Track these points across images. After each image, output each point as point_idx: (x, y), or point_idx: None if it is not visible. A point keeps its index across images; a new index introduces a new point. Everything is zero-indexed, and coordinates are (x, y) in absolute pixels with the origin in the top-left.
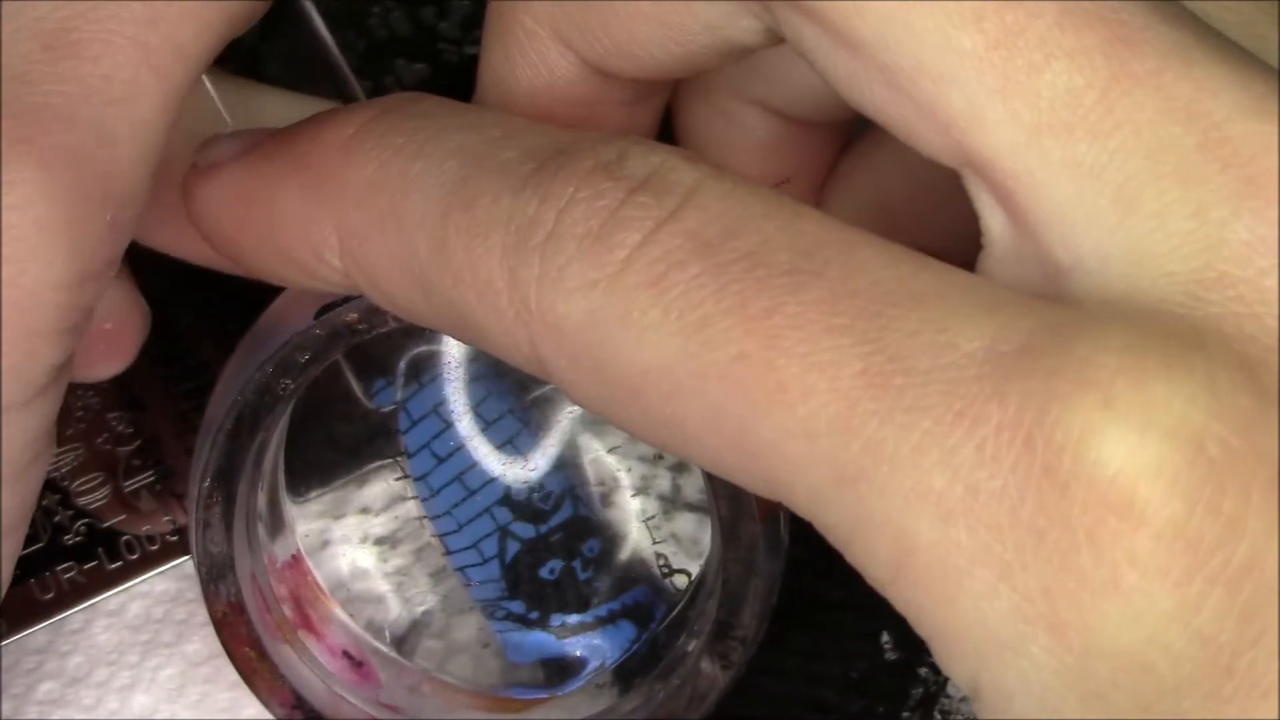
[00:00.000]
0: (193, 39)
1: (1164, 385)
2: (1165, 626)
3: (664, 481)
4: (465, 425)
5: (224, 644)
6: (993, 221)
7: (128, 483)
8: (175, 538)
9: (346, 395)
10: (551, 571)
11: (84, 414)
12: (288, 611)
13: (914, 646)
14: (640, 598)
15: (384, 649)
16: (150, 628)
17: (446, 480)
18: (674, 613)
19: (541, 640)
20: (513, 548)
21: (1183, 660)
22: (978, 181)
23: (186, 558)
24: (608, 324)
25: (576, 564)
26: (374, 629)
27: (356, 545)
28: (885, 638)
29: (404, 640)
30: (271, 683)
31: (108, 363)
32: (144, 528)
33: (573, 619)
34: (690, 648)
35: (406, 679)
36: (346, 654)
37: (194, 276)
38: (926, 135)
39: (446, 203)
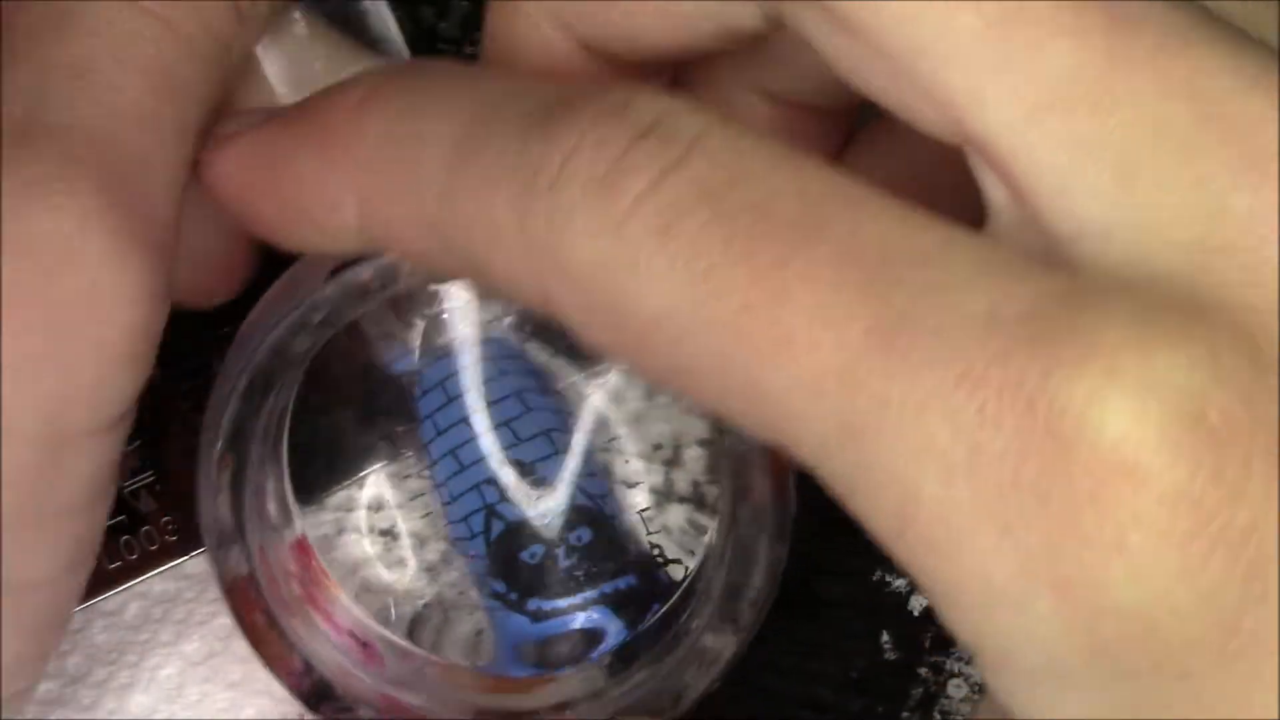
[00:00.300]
0: (196, 78)
1: (1167, 354)
2: (1171, 585)
3: (658, 476)
4: (469, 400)
5: (234, 610)
6: (995, 195)
7: (127, 483)
8: (174, 538)
9: (366, 361)
10: (532, 555)
11: None
12: (295, 588)
13: (914, 646)
14: (627, 587)
15: (388, 634)
16: (149, 627)
17: (444, 452)
18: (670, 603)
19: (519, 622)
20: (498, 527)
21: (1189, 618)
22: (976, 159)
23: (186, 558)
24: (616, 270)
25: (560, 551)
26: (379, 613)
27: (364, 531)
28: (885, 637)
29: (408, 624)
30: (281, 650)
31: (218, 287)
32: (143, 528)
33: (547, 605)
34: (690, 628)
35: (411, 662)
36: (352, 634)
37: None
38: (927, 115)
39: (456, 154)
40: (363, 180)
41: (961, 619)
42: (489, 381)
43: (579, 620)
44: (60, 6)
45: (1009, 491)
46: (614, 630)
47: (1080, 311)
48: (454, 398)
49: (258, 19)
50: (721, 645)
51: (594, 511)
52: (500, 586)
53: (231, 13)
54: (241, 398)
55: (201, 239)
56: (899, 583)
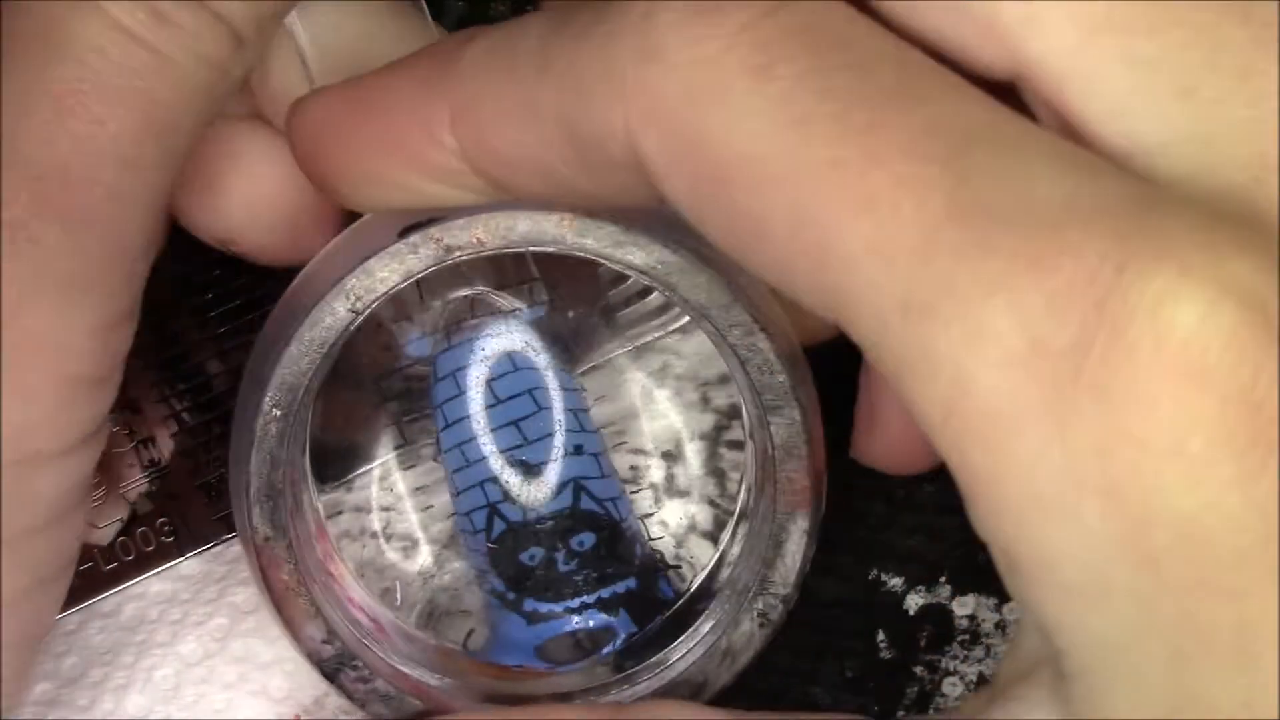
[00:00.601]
0: (186, 108)
1: (1235, 259)
2: (1225, 493)
3: (661, 475)
4: (475, 395)
5: (261, 569)
6: (1047, 121)
7: (123, 485)
8: (171, 539)
9: (382, 343)
10: (531, 558)
11: None
12: (319, 555)
13: (909, 645)
14: (627, 592)
15: (391, 615)
16: (145, 628)
17: (452, 444)
18: (676, 607)
19: (515, 623)
20: (499, 526)
21: (1242, 530)
22: (1027, 91)
23: (182, 559)
24: (707, 103)
25: (559, 555)
26: (385, 595)
27: (374, 509)
28: (880, 636)
29: (413, 607)
30: (305, 612)
31: (291, 249)
32: (139, 529)
33: (544, 607)
34: (704, 628)
35: (415, 644)
36: (363, 609)
37: (190, 280)
38: (982, 49)
39: (550, 30)
40: (462, 87)
41: (998, 523)
42: (501, 378)
43: (574, 624)
44: (55, 21)
45: (1067, 387)
46: (619, 630)
47: (1152, 211)
48: (464, 390)
49: (258, 41)
50: (749, 639)
51: (598, 517)
52: (499, 585)
53: (228, 41)
54: (298, 350)
55: (275, 204)
56: (894, 582)
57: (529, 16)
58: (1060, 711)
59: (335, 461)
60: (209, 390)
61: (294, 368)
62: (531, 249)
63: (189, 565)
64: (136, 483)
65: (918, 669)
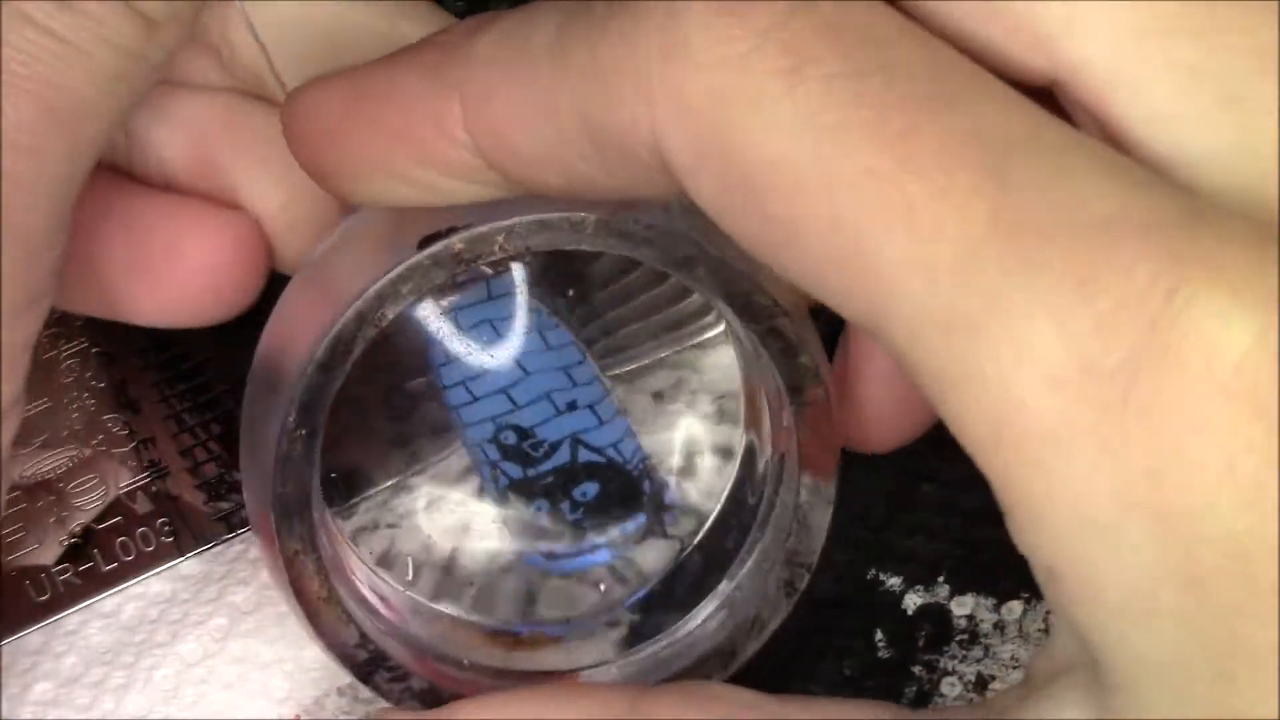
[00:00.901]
0: (96, 95)
1: None
2: (1276, 516)
3: (666, 424)
4: (461, 365)
5: (292, 583)
6: (1086, 126)
7: (123, 485)
8: (170, 539)
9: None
10: (539, 509)
11: (79, 416)
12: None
13: (907, 645)
14: (636, 528)
15: (399, 587)
16: (145, 628)
17: (454, 405)
18: (682, 561)
19: (532, 566)
20: (503, 481)
21: None
22: (1067, 95)
23: (182, 559)
24: (736, 106)
25: (565, 506)
26: (398, 571)
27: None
28: (879, 636)
29: (427, 579)
30: (336, 621)
31: (231, 299)
32: (139, 529)
33: (558, 548)
34: (722, 593)
35: (427, 619)
36: (374, 590)
37: None
38: (1017, 50)
39: (567, 21)
40: (474, 79)
41: (1044, 541)
42: (488, 345)
43: (586, 562)
44: None
45: (1117, 408)
46: (633, 577)
47: (1201, 228)
48: (454, 358)
49: (174, 24)
50: (775, 608)
51: (599, 465)
52: (511, 536)
53: (139, 25)
54: (321, 368)
55: (204, 254)
56: (893, 581)
57: (541, 5)
58: (1096, 715)
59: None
60: (209, 390)
61: (317, 385)
62: (554, 249)
63: (189, 565)
64: (136, 483)
65: (916, 668)
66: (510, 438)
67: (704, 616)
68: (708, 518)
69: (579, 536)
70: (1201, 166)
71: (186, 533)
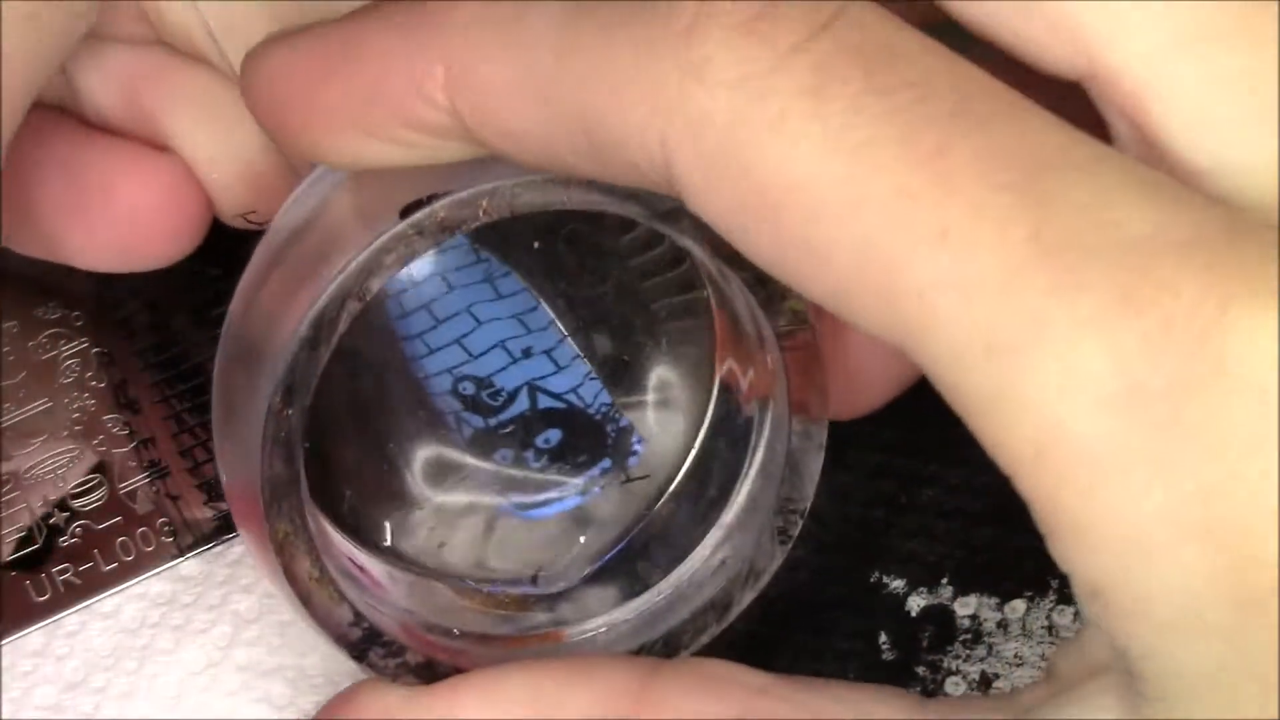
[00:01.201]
0: (18, 38)
1: None
2: None
3: (623, 367)
4: (417, 317)
5: (284, 567)
6: (1120, 130)
7: (123, 484)
8: (170, 539)
9: None
10: (503, 458)
11: (80, 416)
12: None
13: (911, 646)
14: (602, 473)
15: (371, 555)
16: (146, 631)
17: (410, 357)
18: (661, 501)
19: (506, 518)
20: (467, 431)
21: None
22: (1101, 95)
23: (182, 559)
24: (757, 127)
25: (529, 454)
26: (374, 536)
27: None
28: (882, 638)
29: (403, 540)
30: (329, 601)
31: (164, 244)
32: (139, 529)
33: (527, 498)
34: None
35: (400, 581)
36: (353, 561)
37: (189, 279)
38: (1052, 49)
39: (573, 15)
40: (457, 46)
41: (1091, 561)
42: (438, 299)
43: (559, 509)
44: None
45: (1168, 430)
46: (607, 519)
47: (1244, 244)
48: (410, 311)
49: None
50: (770, 558)
51: (558, 411)
52: (480, 487)
53: None
54: (307, 345)
55: (136, 195)
56: (896, 584)
57: None
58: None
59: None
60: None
61: (302, 363)
62: (539, 209)
63: (189, 566)
64: (137, 483)
65: (920, 669)
66: (469, 388)
67: (695, 568)
68: (681, 464)
69: (545, 485)
70: (1240, 177)
71: (186, 533)
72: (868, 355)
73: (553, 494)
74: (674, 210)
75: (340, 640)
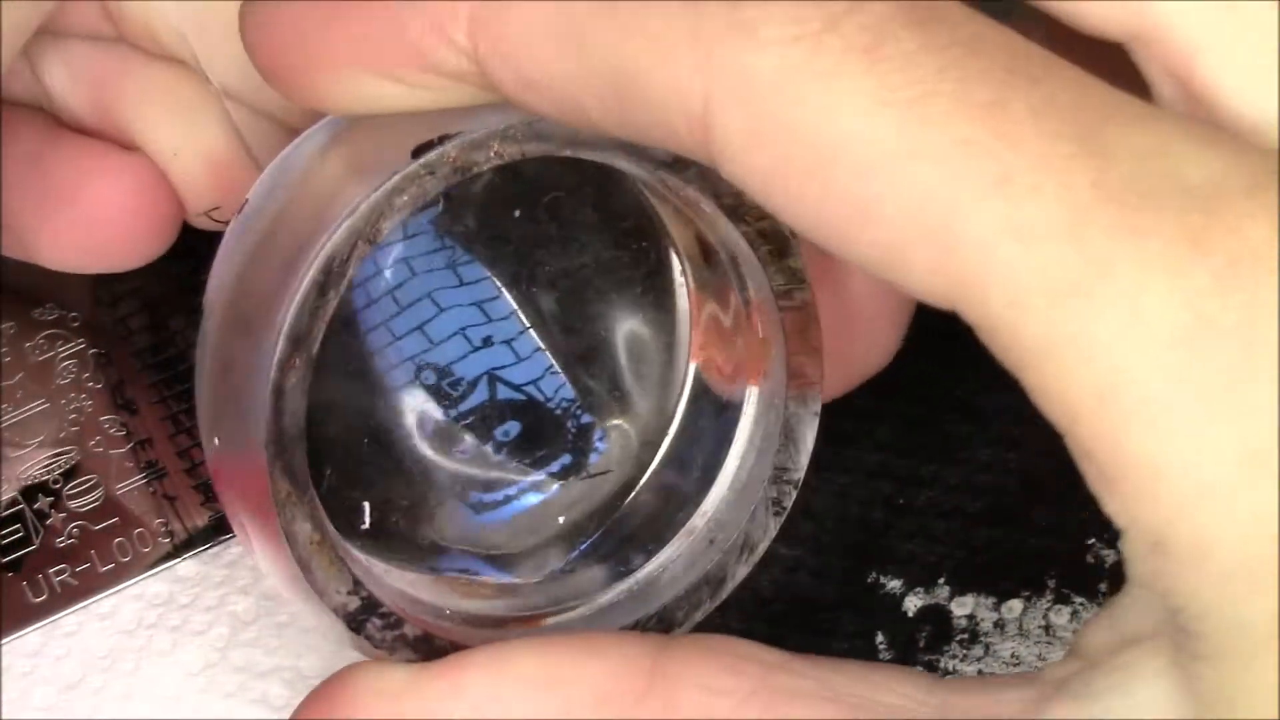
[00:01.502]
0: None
1: None
2: None
3: (582, 355)
4: (379, 306)
5: (284, 528)
6: (1164, 89)
7: (120, 485)
8: (167, 540)
9: None
10: (464, 452)
11: (76, 417)
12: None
13: (908, 647)
14: (561, 469)
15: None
16: (143, 632)
17: (375, 348)
18: (641, 485)
19: (464, 515)
20: (429, 425)
21: None
22: (1148, 53)
23: (180, 559)
24: (807, 83)
25: (489, 447)
26: (351, 520)
27: None
28: (879, 638)
29: (376, 526)
30: (330, 566)
31: (134, 245)
32: (136, 530)
33: (486, 497)
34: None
35: (379, 564)
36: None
37: (187, 278)
38: (1100, 8)
39: None
40: None
41: (1155, 508)
42: (401, 286)
43: (518, 508)
44: None
45: (1239, 370)
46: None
47: None
48: (374, 300)
49: None
50: (765, 529)
51: (518, 404)
52: (443, 483)
53: None
54: (317, 290)
55: (105, 193)
56: (893, 584)
57: None
58: (1179, 687)
59: None
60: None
61: (312, 308)
62: (548, 155)
63: (186, 567)
64: (134, 483)
65: (916, 668)
66: (430, 377)
67: (683, 548)
68: (655, 453)
69: (504, 481)
70: None
71: (184, 534)
72: (862, 321)
73: (511, 491)
74: (681, 159)
75: (338, 610)
